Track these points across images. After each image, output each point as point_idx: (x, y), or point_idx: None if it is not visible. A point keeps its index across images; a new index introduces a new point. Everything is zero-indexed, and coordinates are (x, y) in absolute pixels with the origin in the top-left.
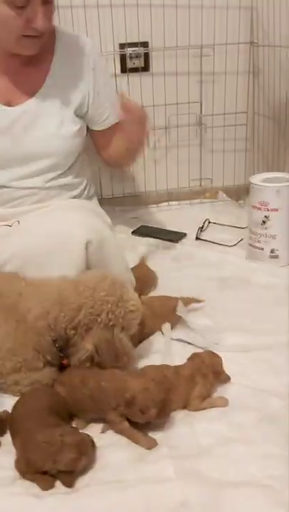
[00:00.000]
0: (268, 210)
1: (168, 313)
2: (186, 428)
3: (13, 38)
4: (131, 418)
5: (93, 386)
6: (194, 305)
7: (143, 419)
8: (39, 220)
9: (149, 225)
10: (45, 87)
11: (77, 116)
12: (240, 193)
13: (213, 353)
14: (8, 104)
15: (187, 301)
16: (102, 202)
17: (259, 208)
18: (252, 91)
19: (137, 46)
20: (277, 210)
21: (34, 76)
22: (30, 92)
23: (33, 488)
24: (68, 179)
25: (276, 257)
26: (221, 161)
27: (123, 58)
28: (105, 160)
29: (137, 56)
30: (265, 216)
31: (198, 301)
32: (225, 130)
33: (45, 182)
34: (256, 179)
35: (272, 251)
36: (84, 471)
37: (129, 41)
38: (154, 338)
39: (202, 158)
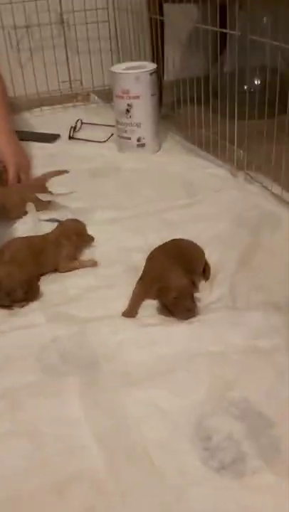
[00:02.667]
0: (129, 98)
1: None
2: (57, 285)
3: None
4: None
5: None
6: (64, 191)
7: (11, 302)
8: None
9: (22, 130)
10: None
11: None
12: (111, 95)
13: (76, 219)
14: None
15: (51, 174)
16: None
17: (122, 97)
18: None
19: None
20: (138, 97)
21: None
22: None
23: None
24: None
25: (143, 145)
26: (88, 62)
27: None
28: None
29: None
30: (128, 104)
31: (60, 172)
32: (88, 28)
33: None
34: (117, 68)
35: (138, 139)
36: None
37: None
38: (21, 220)
39: (69, 59)
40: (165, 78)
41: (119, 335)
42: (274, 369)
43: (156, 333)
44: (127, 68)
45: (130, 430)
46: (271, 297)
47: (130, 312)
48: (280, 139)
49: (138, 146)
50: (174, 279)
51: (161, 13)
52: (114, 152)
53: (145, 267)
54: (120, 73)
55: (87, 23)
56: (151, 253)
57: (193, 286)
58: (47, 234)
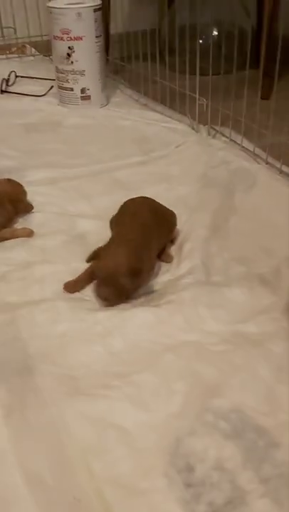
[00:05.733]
0: (71, 39)
1: None
2: None
3: None
4: None
5: None
6: None
7: None
8: None
9: None
10: None
11: None
12: (50, 48)
13: (12, 180)
14: None
15: None
16: None
17: (61, 38)
18: None
19: None
20: (81, 38)
21: None
22: None
23: None
24: None
25: (88, 97)
26: (23, 8)
27: None
28: None
29: None
30: (69, 47)
31: None
32: None
33: None
34: (55, 3)
35: (82, 91)
36: None
37: None
38: None
39: None
40: (113, 31)
41: (60, 324)
42: (269, 363)
43: (109, 320)
44: (67, 4)
45: (77, 463)
46: (254, 268)
47: (73, 285)
48: (243, 93)
49: (82, 98)
50: (109, 255)
51: None
52: (54, 106)
53: (112, 232)
54: (59, 9)
55: None
56: (119, 215)
57: (135, 271)
58: None
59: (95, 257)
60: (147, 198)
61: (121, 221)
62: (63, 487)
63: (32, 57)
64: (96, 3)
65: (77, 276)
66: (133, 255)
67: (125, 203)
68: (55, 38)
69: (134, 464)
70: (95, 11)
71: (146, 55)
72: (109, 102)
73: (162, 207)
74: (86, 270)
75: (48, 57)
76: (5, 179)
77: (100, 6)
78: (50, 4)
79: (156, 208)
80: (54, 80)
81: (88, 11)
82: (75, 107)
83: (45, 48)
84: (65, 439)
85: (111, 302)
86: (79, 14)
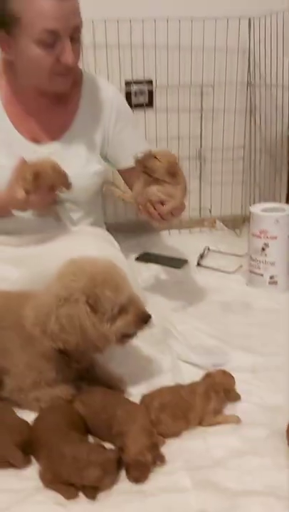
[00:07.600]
0: (267, 238)
1: None
2: (200, 442)
3: (45, 77)
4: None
5: (111, 413)
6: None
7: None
8: (54, 246)
9: (152, 252)
10: (72, 129)
11: (101, 156)
12: (236, 223)
13: (226, 372)
14: (36, 141)
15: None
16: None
17: (259, 236)
18: (248, 128)
19: (142, 84)
20: (276, 238)
21: (61, 116)
22: (58, 132)
23: (57, 497)
24: (81, 214)
25: (275, 283)
26: (219, 193)
27: (128, 95)
28: None
29: (142, 93)
30: (265, 244)
31: None
32: (223, 164)
33: None
34: (256, 209)
35: (271, 277)
36: (108, 486)
37: (134, 79)
38: (161, 357)
39: (202, 189)
40: None
41: None
42: None
43: None
44: (265, 209)
45: None
46: None
47: None
48: None
49: (270, 283)
50: None
51: None
52: (243, 286)
53: None
54: (261, 215)
55: (223, 160)
56: None
57: None
58: (195, 384)
59: None
60: None
61: None
62: None
63: (220, 231)
64: None
65: None
66: None
67: None
68: (253, 234)
69: None
70: None
71: None
72: None
73: None
74: None
75: (233, 231)
76: (221, 371)
77: None
78: (253, 210)
79: None
80: (240, 255)
81: (285, 218)
82: (263, 289)
83: (231, 224)
84: None
85: None
86: (277, 220)
